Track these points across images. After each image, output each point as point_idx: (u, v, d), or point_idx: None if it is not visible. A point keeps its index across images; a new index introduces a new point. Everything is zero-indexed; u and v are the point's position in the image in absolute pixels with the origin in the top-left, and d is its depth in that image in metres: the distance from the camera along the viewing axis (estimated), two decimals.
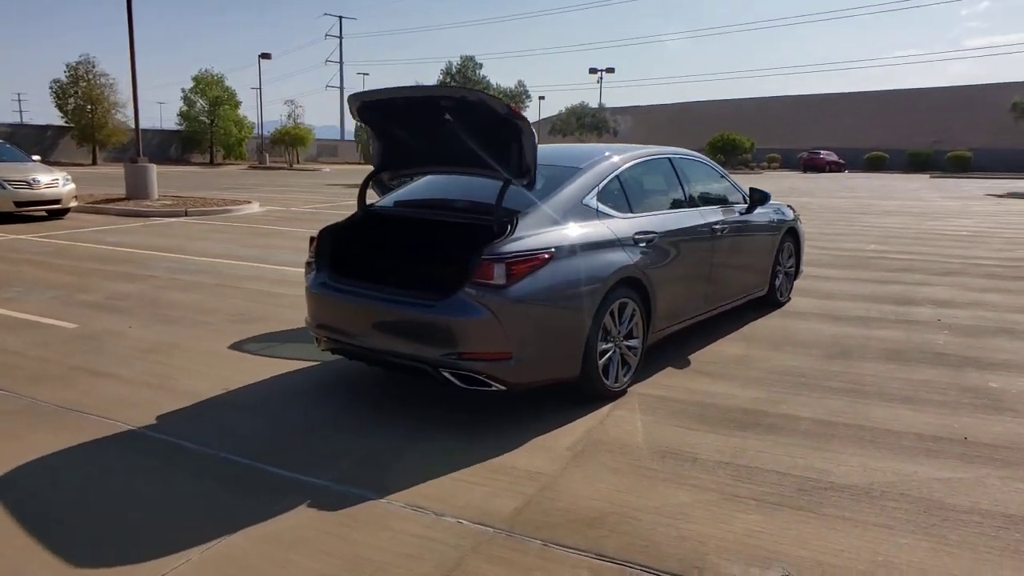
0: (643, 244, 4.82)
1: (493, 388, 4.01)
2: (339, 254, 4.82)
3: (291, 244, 11.53)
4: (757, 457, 3.87)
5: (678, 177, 5.74)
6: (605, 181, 4.84)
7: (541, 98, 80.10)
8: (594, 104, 54.18)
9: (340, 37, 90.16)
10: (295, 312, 6.88)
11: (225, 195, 21.34)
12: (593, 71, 57.75)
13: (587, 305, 4.33)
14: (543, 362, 4.14)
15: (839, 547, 3.01)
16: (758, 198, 6.43)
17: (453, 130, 4.39)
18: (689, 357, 5.63)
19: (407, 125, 4.73)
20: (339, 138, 74.40)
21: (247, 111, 76.89)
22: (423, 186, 5.33)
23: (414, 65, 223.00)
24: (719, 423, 4.34)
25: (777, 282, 7.21)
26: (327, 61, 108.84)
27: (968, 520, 3.23)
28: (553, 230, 4.26)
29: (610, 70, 56.90)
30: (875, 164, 59.89)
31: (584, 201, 4.60)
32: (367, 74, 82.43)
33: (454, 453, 3.86)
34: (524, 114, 4.10)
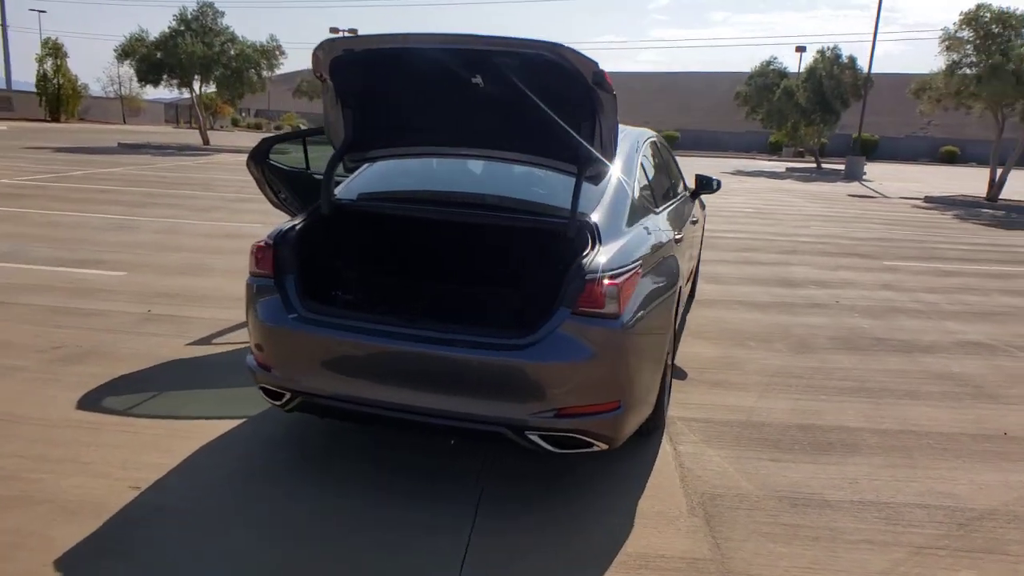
0: (677, 241, 4.20)
1: (593, 449, 3.11)
2: (313, 271, 3.50)
3: (40, 232, 8.87)
4: (878, 489, 3.51)
5: (666, 162, 5.19)
6: (638, 167, 4.10)
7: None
8: None
9: None
10: (128, 337, 5.12)
11: None
12: (335, 30, 54.90)
13: (670, 322, 3.61)
14: (641, 403, 3.33)
15: None
16: (704, 184, 6.11)
17: (483, 99, 3.33)
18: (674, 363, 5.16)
19: (405, 89, 3.52)
20: (5, 87, 61.77)
21: None
22: (400, 174, 4.12)
23: (131, 5, 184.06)
24: (792, 448, 3.92)
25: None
26: None
27: None
28: (626, 234, 3.44)
29: (353, 31, 54.46)
30: None
31: (632, 193, 3.83)
32: (43, 11, 69.01)
33: (570, 548, 2.93)
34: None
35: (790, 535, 3.08)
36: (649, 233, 3.64)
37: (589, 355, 2.94)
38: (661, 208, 4.28)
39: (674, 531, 3.07)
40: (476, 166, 4.10)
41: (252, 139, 39.57)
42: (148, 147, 28.01)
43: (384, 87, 3.51)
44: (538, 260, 3.79)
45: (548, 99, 3.21)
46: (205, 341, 5.21)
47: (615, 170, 3.69)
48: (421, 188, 4.10)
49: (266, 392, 3.37)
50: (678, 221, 4.57)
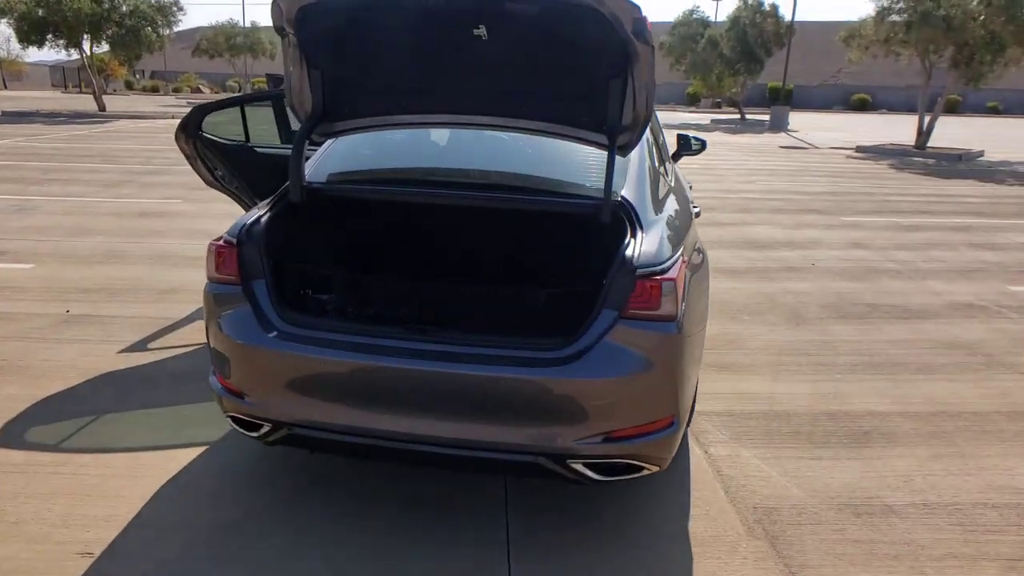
0: (696, 216, 3.78)
1: (643, 474, 2.66)
2: (287, 273, 2.90)
3: None
4: (937, 487, 3.23)
5: (657, 121, 4.71)
6: (654, 134, 3.62)
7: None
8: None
9: None
10: (46, 346, 4.38)
11: None
12: None
13: (707, 312, 3.20)
14: (687, 413, 2.91)
15: None
16: (684, 145, 5.67)
17: (488, 52, 2.77)
18: None
19: (388, 43, 2.90)
20: None
21: None
22: (381, 149, 3.51)
23: None
24: (829, 442, 3.62)
25: None
26: None
27: None
28: (660, 215, 2.96)
29: None
30: None
31: (653, 164, 3.35)
32: None
33: None
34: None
35: (867, 555, 2.74)
36: (677, 212, 3.18)
37: (643, 366, 2.47)
38: (671, 178, 3.82)
39: (740, 560, 2.68)
40: (474, 137, 3.52)
41: (153, 103, 37.09)
42: (37, 115, 25.74)
43: (363, 41, 2.89)
44: (563, 251, 3.30)
45: (571, 52, 2.68)
46: (140, 347, 4.50)
47: None
48: (409, 166, 3.51)
49: (237, 422, 2.79)
50: (684, 192, 4.13)
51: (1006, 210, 10.78)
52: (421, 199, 3.13)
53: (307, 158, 3.13)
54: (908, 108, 40.18)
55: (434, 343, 2.55)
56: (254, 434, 2.77)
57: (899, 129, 27.18)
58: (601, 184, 2.75)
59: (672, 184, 3.68)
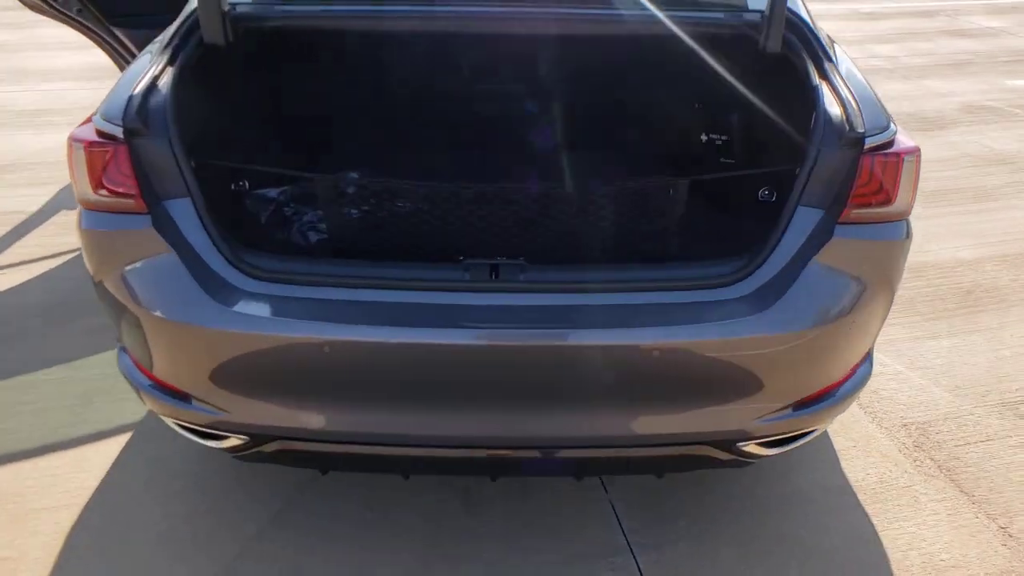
0: None
1: (813, 436, 1.84)
2: (227, 181, 1.77)
3: None
4: None
5: None
6: None
7: None
8: None
9: None
10: None
11: None
12: None
13: None
14: None
15: None
16: None
17: None
18: None
19: None
20: None
21: None
22: None
23: None
24: (937, 312, 3.00)
25: None
26: None
27: None
28: (842, 54, 1.96)
29: None
30: None
31: None
32: None
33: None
34: None
35: None
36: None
37: (857, 297, 1.57)
38: None
39: (931, 515, 2.02)
40: None
41: None
42: None
43: None
44: (697, 110, 2.24)
45: None
46: None
47: None
48: None
49: (185, 428, 1.75)
50: None
51: None
52: (444, 24, 1.93)
53: None
54: None
55: (518, 293, 1.54)
56: (217, 445, 1.75)
57: None
58: None
59: None
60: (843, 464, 2.20)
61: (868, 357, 1.79)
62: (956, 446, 2.26)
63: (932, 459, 2.21)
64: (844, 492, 2.10)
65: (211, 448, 1.78)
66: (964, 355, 2.68)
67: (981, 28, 7.73)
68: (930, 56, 6.61)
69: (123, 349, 1.77)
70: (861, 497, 2.08)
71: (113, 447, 2.20)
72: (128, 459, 2.16)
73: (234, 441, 1.71)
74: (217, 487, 2.08)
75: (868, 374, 1.79)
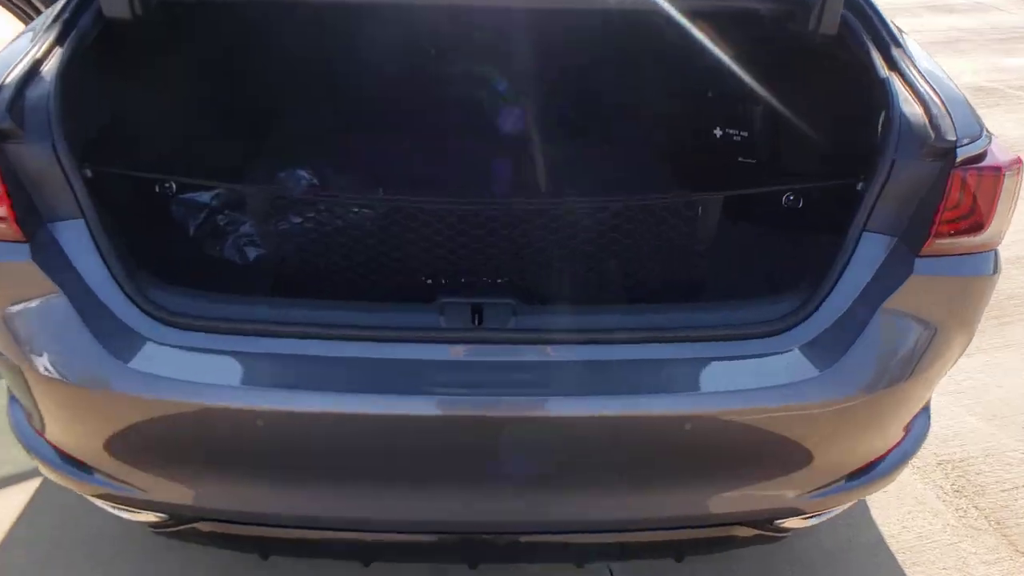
0: None
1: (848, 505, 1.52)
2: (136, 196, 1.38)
3: None
4: None
5: None
6: None
7: None
8: None
9: None
10: None
11: None
12: None
13: None
14: None
15: None
16: None
17: None
18: None
19: None
20: None
21: None
22: None
23: None
24: None
25: None
26: None
27: None
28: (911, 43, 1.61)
29: None
30: None
31: None
32: None
33: None
34: None
35: None
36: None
37: (937, 346, 1.25)
38: None
39: (965, 570, 1.73)
40: None
41: None
42: None
43: None
44: (729, 111, 1.88)
45: None
46: None
47: None
48: None
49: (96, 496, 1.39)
50: None
51: None
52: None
53: None
54: None
55: (508, 344, 1.18)
56: (132, 518, 1.39)
57: None
58: None
59: None
60: (874, 513, 1.90)
61: (926, 408, 1.48)
62: (1003, 491, 1.98)
63: (977, 508, 1.93)
64: (878, 551, 1.81)
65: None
66: (996, 375, 2.40)
67: (969, 3, 7.48)
68: (919, 34, 6.32)
69: (12, 400, 1.39)
70: (900, 558, 1.79)
71: (19, 496, 1.82)
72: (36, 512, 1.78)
73: (151, 517, 1.35)
74: (141, 552, 1.70)
75: (927, 427, 1.48)
